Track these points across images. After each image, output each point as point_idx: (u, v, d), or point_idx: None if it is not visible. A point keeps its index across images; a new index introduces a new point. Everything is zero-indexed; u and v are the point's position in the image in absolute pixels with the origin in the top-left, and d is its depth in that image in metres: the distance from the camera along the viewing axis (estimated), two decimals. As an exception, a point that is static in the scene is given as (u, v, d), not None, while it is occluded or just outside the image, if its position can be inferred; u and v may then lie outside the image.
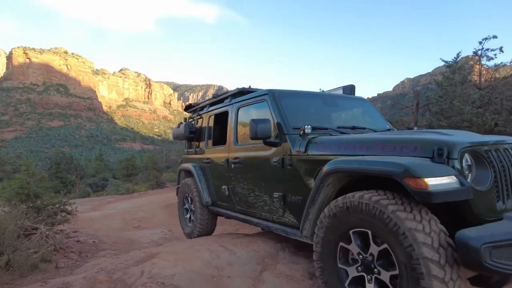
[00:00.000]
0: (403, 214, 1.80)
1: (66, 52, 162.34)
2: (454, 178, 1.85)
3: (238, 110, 3.83)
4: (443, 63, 13.61)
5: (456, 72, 13.16)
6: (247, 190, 3.51)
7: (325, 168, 2.32)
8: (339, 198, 2.12)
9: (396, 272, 1.84)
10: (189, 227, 4.74)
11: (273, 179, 3.09)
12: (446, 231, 1.83)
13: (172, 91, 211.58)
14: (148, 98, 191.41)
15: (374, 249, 1.95)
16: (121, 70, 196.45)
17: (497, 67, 14.76)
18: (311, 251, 2.85)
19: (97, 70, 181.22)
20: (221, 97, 4.42)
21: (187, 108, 5.41)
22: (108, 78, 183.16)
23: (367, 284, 2.01)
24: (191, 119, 5.16)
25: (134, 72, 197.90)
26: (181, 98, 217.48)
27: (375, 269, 1.96)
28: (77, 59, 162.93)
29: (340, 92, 4.26)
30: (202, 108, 4.95)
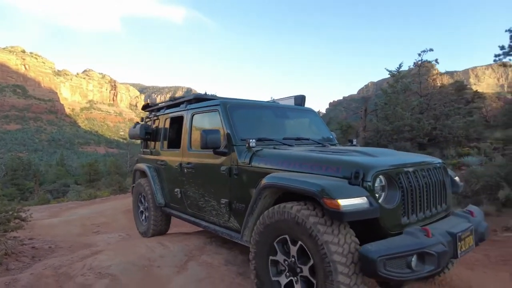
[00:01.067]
0: (331, 239, 2.04)
1: (23, 51, 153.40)
2: (365, 199, 2.10)
3: (193, 117, 3.92)
4: (390, 71, 14.89)
5: (398, 81, 14.43)
6: (197, 194, 3.65)
7: (262, 182, 2.56)
8: (288, 206, 2.28)
9: None
10: (144, 226, 4.84)
11: (221, 186, 3.26)
12: (360, 251, 2.06)
13: (138, 93, 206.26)
14: (114, 100, 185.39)
15: (306, 268, 2.21)
16: (84, 71, 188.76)
17: (434, 76, 16.29)
18: (234, 243, 3.42)
19: (58, 71, 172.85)
20: (178, 101, 4.42)
21: (145, 107, 5.37)
22: (71, 79, 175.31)
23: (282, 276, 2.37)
24: (147, 119, 5.15)
25: (99, 73, 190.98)
26: (148, 100, 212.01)
27: (298, 268, 2.26)
28: (36, 59, 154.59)
29: (292, 101, 4.42)
30: (159, 110, 4.94)
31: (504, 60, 7.98)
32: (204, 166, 3.54)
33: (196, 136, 3.73)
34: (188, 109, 4.04)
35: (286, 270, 2.35)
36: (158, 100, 5.55)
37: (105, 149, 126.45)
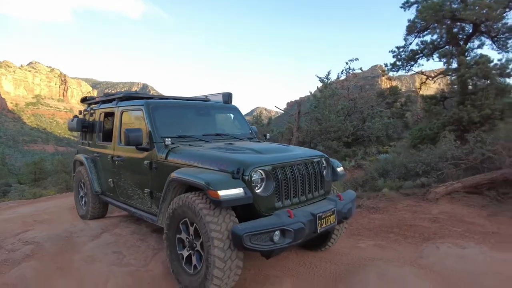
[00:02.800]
0: (214, 225, 2.54)
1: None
2: (241, 189, 2.60)
3: (122, 113, 4.22)
4: (319, 78, 16.57)
5: (327, 87, 16.13)
6: (127, 184, 4.09)
7: (171, 175, 3.03)
8: (186, 196, 2.81)
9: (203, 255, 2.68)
10: (83, 210, 5.27)
11: (144, 177, 3.70)
12: (231, 229, 2.54)
13: (91, 89, 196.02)
14: (64, 96, 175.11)
15: (198, 243, 2.75)
16: (30, 63, 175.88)
17: (361, 85, 18.33)
18: (142, 220, 4.44)
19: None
20: (111, 97, 4.70)
21: (83, 100, 5.55)
22: (14, 71, 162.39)
23: (186, 251, 2.90)
24: (85, 112, 5.37)
25: (47, 66, 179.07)
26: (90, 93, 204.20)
27: (194, 244, 2.80)
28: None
29: (220, 97, 4.79)
30: (96, 104, 5.18)
31: (389, 74, 9.74)
32: (130, 160, 3.97)
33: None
34: (118, 106, 4.34)
35: (187, 246, 2.88)
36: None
37: (55, 148, 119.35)
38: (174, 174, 3.01)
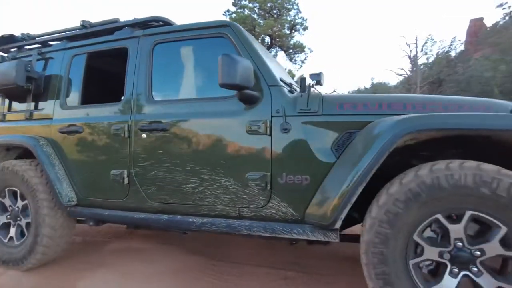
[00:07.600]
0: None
1: None
2: None
3: (154, 48, 2.43)
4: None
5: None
6: (182, 172, 2.17)
7: (398, 130, 1.51)
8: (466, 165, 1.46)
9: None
10: (16, 249, 2.60)
11: (248, 151, 2.01)
12: None
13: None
14: None
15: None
16: None
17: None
18: None
19: None
20: (109, 27, 2.69)
21: (3, 41, 3.08)
22: None
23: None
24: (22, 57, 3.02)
25: None
26: None
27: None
28: None
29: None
30: (43, 44, 3.02)
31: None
32: (202, 124, 2.15)
33: (168, 78, 2.49)
34: (140, 36, 2.49)
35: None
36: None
37: None
38: (415, 122, 1.53)
